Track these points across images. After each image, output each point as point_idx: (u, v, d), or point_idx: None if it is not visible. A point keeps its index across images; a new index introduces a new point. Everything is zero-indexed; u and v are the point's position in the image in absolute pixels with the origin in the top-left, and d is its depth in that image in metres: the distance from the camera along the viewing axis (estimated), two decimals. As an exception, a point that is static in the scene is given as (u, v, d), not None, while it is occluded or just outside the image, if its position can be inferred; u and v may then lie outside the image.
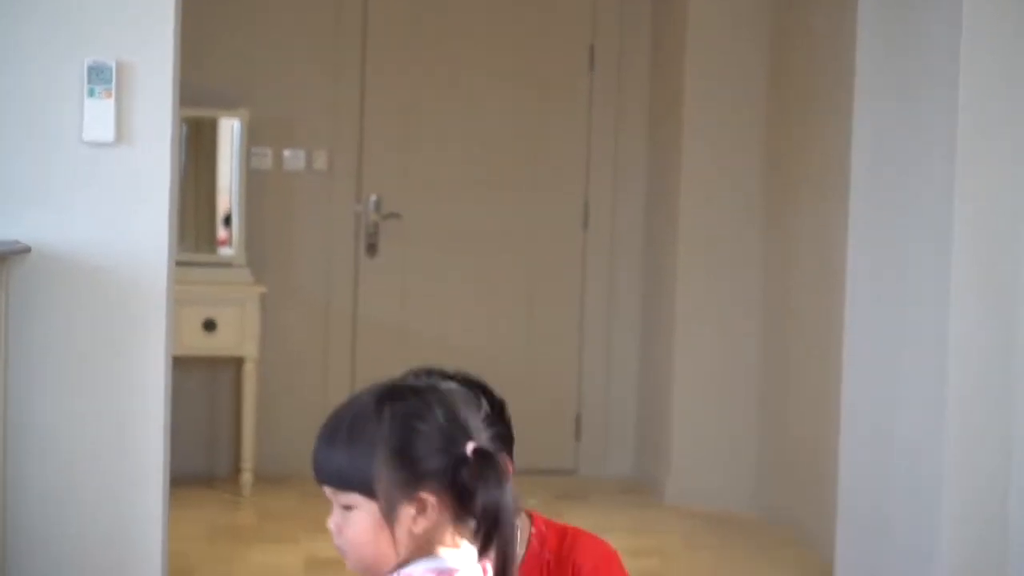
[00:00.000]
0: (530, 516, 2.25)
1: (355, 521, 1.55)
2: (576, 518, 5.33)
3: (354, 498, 1.55)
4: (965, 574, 3.44)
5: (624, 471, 6.24)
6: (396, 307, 6.22)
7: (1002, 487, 3.43)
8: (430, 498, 1.54)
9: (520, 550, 2.09)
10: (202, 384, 5.88)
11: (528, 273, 6.31)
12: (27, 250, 3.11)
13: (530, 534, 2.18)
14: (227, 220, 6.06)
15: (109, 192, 3.16)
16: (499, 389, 6.80)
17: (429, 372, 1.78)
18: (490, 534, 1.52)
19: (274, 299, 5.89)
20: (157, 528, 3.22)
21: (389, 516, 1.53)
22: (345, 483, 1.55)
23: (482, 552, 1.54)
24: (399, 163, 6.22)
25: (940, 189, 3.49)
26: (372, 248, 6.21)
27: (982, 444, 3.44)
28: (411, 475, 1.53)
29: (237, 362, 5.83)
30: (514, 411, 7.12)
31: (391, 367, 6.17)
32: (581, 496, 5.88)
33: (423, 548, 1.55)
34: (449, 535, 1.57)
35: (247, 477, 5.73)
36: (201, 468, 5.87)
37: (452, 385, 1.66)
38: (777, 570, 4.77)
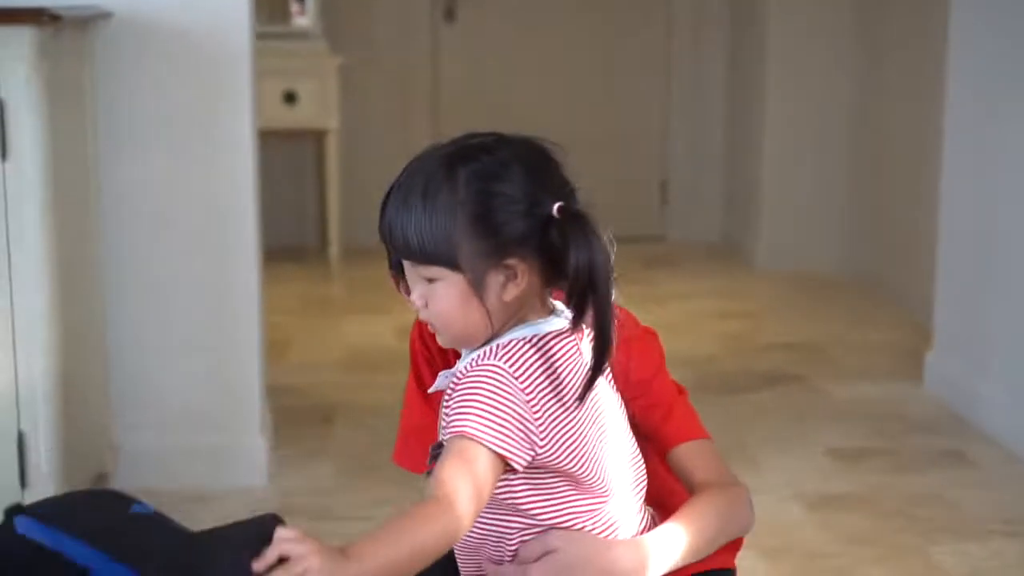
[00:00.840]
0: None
1: (440, 293, 1.43)
2: (665, 283, 5.39)
3: (437, 271, 1.43)
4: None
5: (712, 236, 6.17)
6: (477, 73, 6.09)
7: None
8: (519, 264, 1.42)
9: None
10: (285, 158, 5.84)
11: (612, 34, 6.13)
12: (109, 15, 3.03)
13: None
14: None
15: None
16: (582, 154, 6.73)
17: (489, 134, 1.50)
18: (584, 297, 1.40)
19: (353, 69, 5.79)
20: (254, 299, 3.22)
21: (477, 286, 1.42)
22: (426, 257, 1.42)
23: (578, 317, 1.42)
24: (475, -76, 6.00)
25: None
26: (450, 14, 6.05)
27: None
28: (496, 242, 1.40)
29: (319, 134, 5.78)
30: (598, 177, 7.10)
31: (474, 134, 6.03)
32: (670, 262, 5.83)
33: (515, 315, 1.45)
34: (540, 300, 1.48)
35: (335, 250, 5.75)
36: (288, 242, 5.90)
37: (521, 142, 1.47)
38: (872, 329, 4.72)
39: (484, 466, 1.37)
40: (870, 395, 3.96)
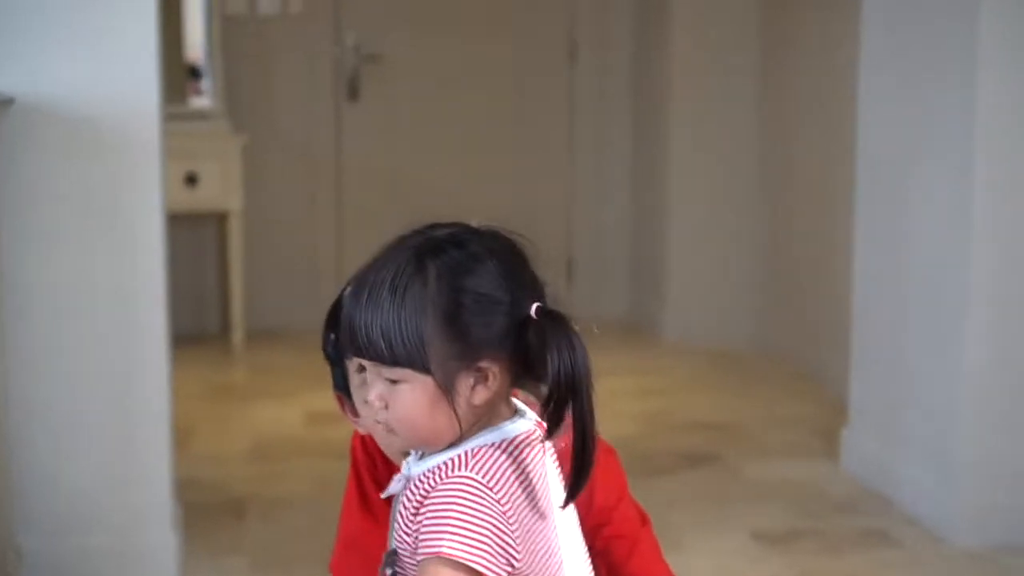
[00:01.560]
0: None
1: (405, 396, 1.33)
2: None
3: (403, 372, 1.33)
4: (989, 406, 3.36)
5: (620, 311, 6.14)
6: (381, 152, 6.03)
7: (1028, 314, 3.33)
8: (491, 367, 1.33)
9: None
10: (186, 241, 5.71)
11: (515, 113, 6.12)
12: (9, 101, 2.92)
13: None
14: (194, 71, 5.84)
15: (94, 39, 2.96)
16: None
17: (455, 224, 1.41)
18: (564, 402, 1.31)
19: (255, 150, 5.70)
20: (163, 390, 3.10)
21: (447, 390, 1.32)
22: (392, 358, 1.32)
23: (554, 423, 1.32)
24: (377, 2, 5.97)
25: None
26: (354, 92, 6.00)
27: (1009, 272, 3.33)
28: (468, 344, 1.32)
29: (221, 216, 5.67)
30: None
31: (379, 214, 6.06)
32: (579, 339, 5.77)
33: (483, 418, 1.36)
34: (506, 401, 1.39)
35: (238, 334, 5.62)
36: (189, 327, 5.74)
37: (491, 235, 1.39)
38: (788, 406, 4.71)
39: None
40: (789, 474, 3.93)
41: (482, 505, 1.31)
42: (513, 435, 1.37)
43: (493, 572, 1.30)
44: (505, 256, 1.37)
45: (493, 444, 1.36)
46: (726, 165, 5.60)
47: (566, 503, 1.37)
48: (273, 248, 5.89)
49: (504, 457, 1.35)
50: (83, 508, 3.07)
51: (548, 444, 1.39)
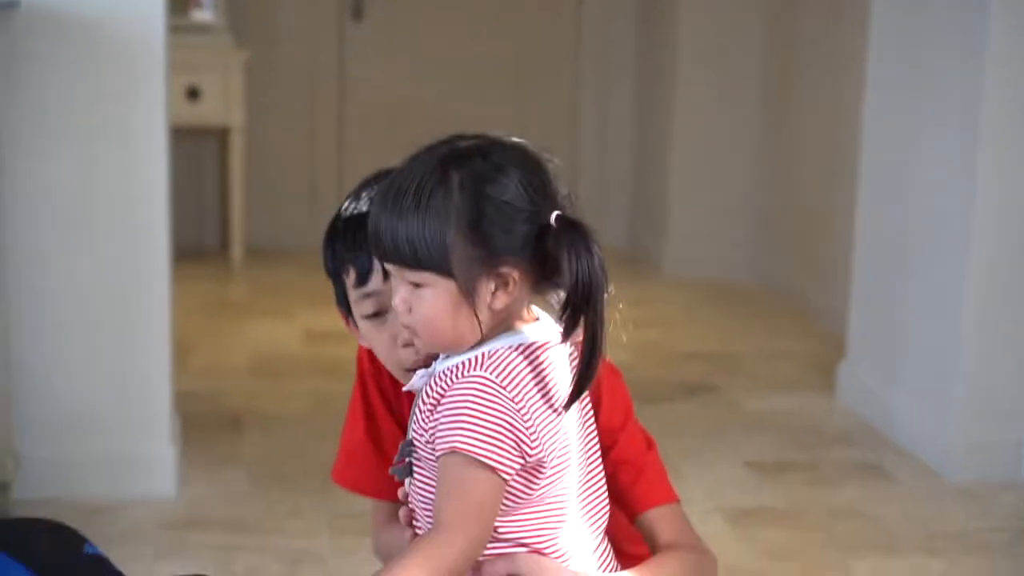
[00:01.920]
0: None
1: (428, 299, 1.38)
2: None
3: (426, 276, 1.37)
4: (985, 344, 3.38)
5: (619, 241, 6.14)
6: (383, 73, 6.00)
7: (1030, 254, 3.34)
8: (511, 272, 1.37)
9: None
10: (186, 155, 5.69)
11: (521, 36, 6.08)
12: (14, 5, 2.88)
13: None
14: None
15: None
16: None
17: (480, 136, 1.44)
18: (579, 308, 1.35)
19: (258, 66, 5.66)
20: (164, 303, 3.09)
21: (468, 294, 1.36)
22: (416, 262, 1.36)
23: (570, 328, 1.37)
24: (385, -80, 5.91)
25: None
26: (358, 12, 5.95)
27: (1010, 215, 3.33)
28: (490, 249, 1.35)
29: (223, 132, 5.64)
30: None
31: (380, 135, 6.00)
32: (577, 267, 5.77)
33: (503, 323, 1.41)
34: (527, 308, 1.43)
35: (237, 250, 5.61)
36: (188, 242, 5.75)
37: (514, 147, 1.41)
38: (785, 339, 4.73)
39: (483, 486, 1.35)
40: (785, 406, 3.95)
41: (495, 403, 1.35)
42: (531, 339, 1.41)
43: (504, 466, 1.35)
44: (528, 167, 1.40)
45: (511, 347, 1.40)
46: (730, 101, 5.57)
47: (568, 403, 1.41)
48: (274, 166, 5.87)
49: (520, 358, 1.39)
50: (82, 417, 3.08)
51: (567, 348, 1.43)
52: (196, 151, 5.81)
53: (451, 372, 1.39)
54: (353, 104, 5.94)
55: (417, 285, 1.38)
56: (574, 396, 1.40)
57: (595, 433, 1.52)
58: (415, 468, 1.44)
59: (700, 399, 3.99)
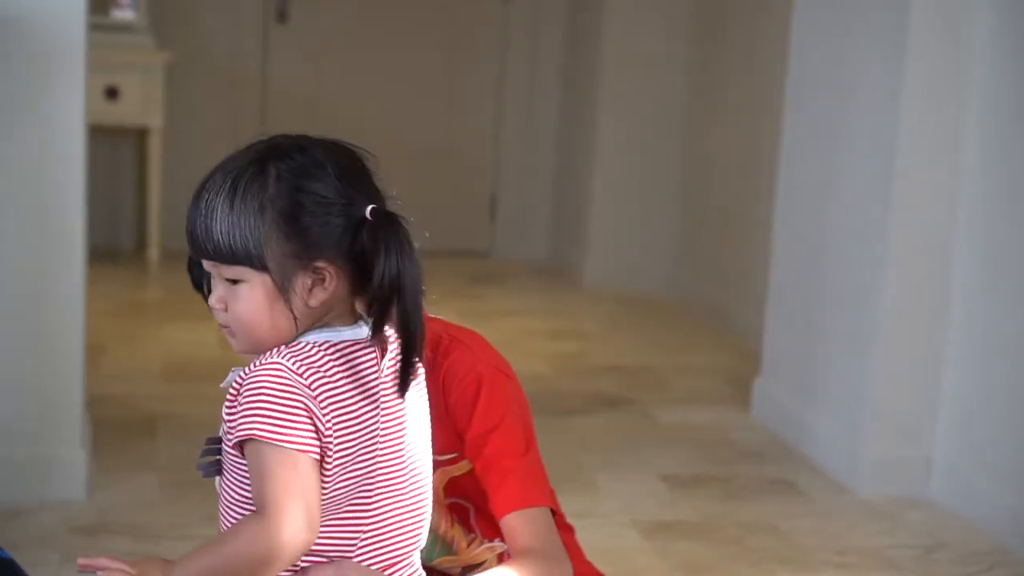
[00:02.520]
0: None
1: (244, 295, 1.38)
2: (493, 300, 5.34)
3: (241, 271, 1.37)
4: (896, 365, 3.43)
5: (540, 254, 6.15)
6: (307, 77, 5.96)
7: (941, 282, 3.39)
8: (327, 267, 1.38)
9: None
10: (105, 156, 5.61)
11: (446, 45, 6.08)
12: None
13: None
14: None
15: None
16: (411, 163, 6.61)
17: (300, 136, 1.48)
18: (387, 304, 1.36)
19: (179, 68, 5.60)
20: (78, 303, 3.05)
21: (283, 289, 1.37)
22: (231, 256, 1.36)
23: (378, 325, 1.39)
24: (312, -75, 5.89)
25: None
26: (283, 15, 5.91)
27: (922, 240, 3.39)
28: (305, 243, 1.36)
29: (141, 133, 5.58)
30: (426, 187, 7.05)
31: (308, 141, 5.85)
32: (497, 279, 5.79)
33: (320, 320, 1.41)
34: (348, 308, 1.43)
35: (154, 252, 5.55)
36: (104, 243, 5.67)
37: (333, 144, 1.45)
38: (701, 354, 4.77)
39: (289, 469, 1.35)
40: (701, 421, 3.98)
41: (289, 386, 1.36)
42: (340, 338, 1.41)
43: (304, 445, 1.35)
44: (346, 162, 1.41)
45: (316, 343, 1.40)
46: (652, 115, 5.62)
47: (398, 390, 1.43)
48: (193, 168, 5.70)
49: (320, 352, 1.39)
50: (-9, 418, 3.02)
51: (391, 349, 1.43)
52: (114, 151, 5.74)
53: (252, 365, 1.39)
54: (276, 107, 5.90)
55: (234, 282, 1.39)
56: (400, 390, 1.42)
57: (429, 460, 1.51)
58: (226, 463, 1.44)
59: (617, 412, 4.01)
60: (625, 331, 5.06)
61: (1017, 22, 3.21)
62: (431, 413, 1.54)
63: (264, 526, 1.32)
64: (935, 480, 3.42)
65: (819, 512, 3.31)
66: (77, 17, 2.95)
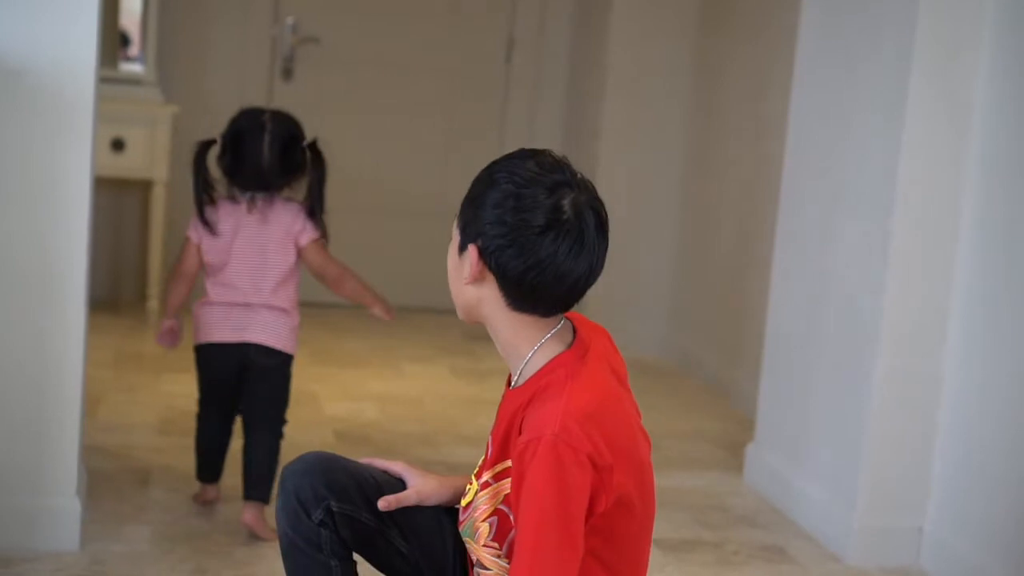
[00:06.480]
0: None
1: None
2: (488, 358, 5.35)
3: None
4: (888, 435, 3.44)
5: (537, 313, 6.16)
6: (310, 134, 5.99)
7: (935, 353, 3.42)
8: None
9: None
10: (109, 207, 5.66)
11: (448, 104, 6.15)
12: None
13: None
14: (123, 38, 5.78)
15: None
16: (414, 219, 6.63)
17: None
18: None
19: (185, 122, 5.65)
20: (78, 353, 3.07)
21: None
22: None
23: None
24: (319, -16, 5.96)
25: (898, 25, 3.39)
26: (288, 73, 5.98)
27: (919, 313, 3.41)
28: None
29: (145, 185, 5.62)
30: (424, 247, 7.06)
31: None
32: (491, 338, 5.79)
33: None
34: None
35: (153, 304, 5.57)
36: (104, 293, 5.71)
37: None
38: (697, 417, 4.78)
39: None
40: (693, 485, 3.99)
41: None
42: None
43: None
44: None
45: None
46: (650, 174, 5.67)
47: None
48: (195, 221, 5.84)
49: None
50: (-13, 466, 3.03)
51: None
52: (117, 202, 5.78)
53: None
54: (278, 164, 5.94)
55: None
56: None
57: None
58: None
59: (610, 474, 4.01)
60: (620, 393, 5.06)
61: (1019, 55, 3.26)
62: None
63: None
64: (925, 550, 3.43)
65: (809, 579, 3.32)
66: (87, 69, 2.99)
